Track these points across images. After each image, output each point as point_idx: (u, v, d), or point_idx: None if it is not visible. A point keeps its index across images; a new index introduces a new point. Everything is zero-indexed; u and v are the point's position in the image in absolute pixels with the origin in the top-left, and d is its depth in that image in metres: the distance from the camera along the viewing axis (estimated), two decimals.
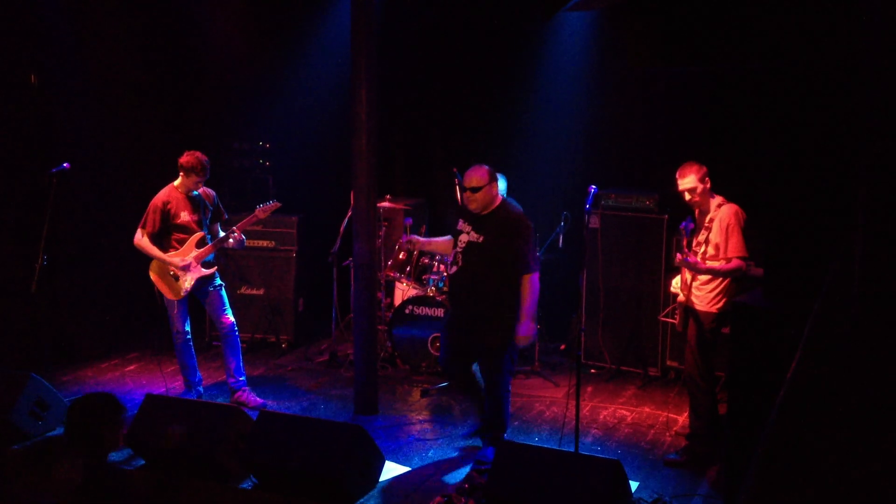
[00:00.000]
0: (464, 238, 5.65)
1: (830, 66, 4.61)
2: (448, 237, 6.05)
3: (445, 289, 7.06)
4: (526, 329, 5.49)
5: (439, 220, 8.68)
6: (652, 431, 6.36)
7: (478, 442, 6.00)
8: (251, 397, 6.72)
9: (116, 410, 4.03)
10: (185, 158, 6.46)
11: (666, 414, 6.63)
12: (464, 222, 5.72)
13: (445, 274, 5.80)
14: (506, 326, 5.52)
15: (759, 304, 4.93)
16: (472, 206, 5.60)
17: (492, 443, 5.76)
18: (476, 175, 5.57)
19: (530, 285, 5.49)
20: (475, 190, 5.55)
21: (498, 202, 5.68)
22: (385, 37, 6.56)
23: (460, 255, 5.63)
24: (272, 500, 5.28)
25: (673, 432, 6.28)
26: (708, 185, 5.62)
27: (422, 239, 6.24)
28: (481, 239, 5.56)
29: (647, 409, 6.76)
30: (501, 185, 7.84)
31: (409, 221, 7.36)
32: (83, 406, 4.02)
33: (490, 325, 5.56)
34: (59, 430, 6.12)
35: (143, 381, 7.32)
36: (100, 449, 3.98)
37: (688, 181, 5.58)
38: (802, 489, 3.39)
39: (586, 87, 8.22)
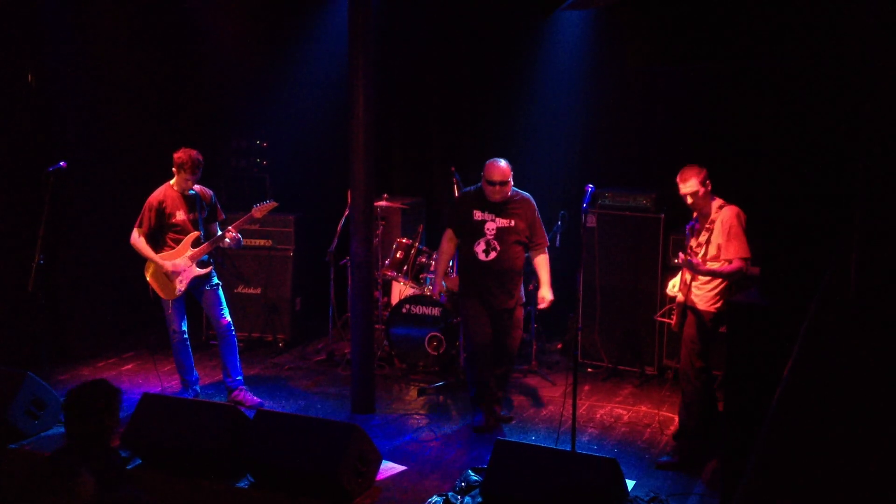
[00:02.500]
0: (490, 226, 6.15)
1: (829, 64, 4.61)
2: (447, 241, 6.41)
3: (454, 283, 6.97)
4: (551, 294, 6.29)
5: (437, 218, 8.66)
6: (648, 430, 6.36)
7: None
8: (248, 396, 6.71)
9: (113, 395, 4.06)
10: (176, 154, 6.44)
11: (662, 413, 6.62)
12: (481, 212, 6.18)
13: (477, 259, 6.12)
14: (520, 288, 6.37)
15: (756, 303, 4.93)
16: (497, 198, 6.12)
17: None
18: (504, 170, 6.12)
19: (548, 256, 6.34)
20: (504, 183, 6.10)
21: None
22: (383, 35, 6.57)
23: (495, 241, 6.14)
24: (269, 499, 5.27)
25: (670, 432, 6.27)
26: (709, 188, 5.62)
27: (442, 275, 6.63)
28: (512, 222, 6.15)
29: (643, 408, 6.76)
30: None
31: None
32: (80, 395, 4.03)
33: (515, 291, 6.26)
34: (55, 429, 6.12)
35: (139, 380, 7.31)
36: (102, 436, 3.99)
37: (690, 185, 5.58)
38: (799, 488, 3.39)
39: (584, 86, 8.21)
